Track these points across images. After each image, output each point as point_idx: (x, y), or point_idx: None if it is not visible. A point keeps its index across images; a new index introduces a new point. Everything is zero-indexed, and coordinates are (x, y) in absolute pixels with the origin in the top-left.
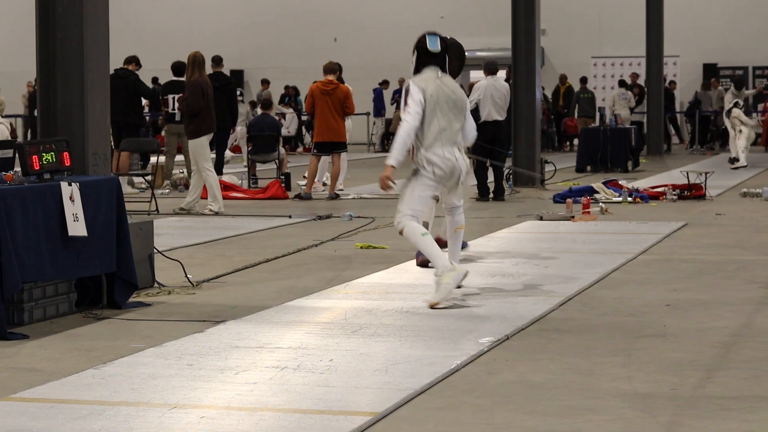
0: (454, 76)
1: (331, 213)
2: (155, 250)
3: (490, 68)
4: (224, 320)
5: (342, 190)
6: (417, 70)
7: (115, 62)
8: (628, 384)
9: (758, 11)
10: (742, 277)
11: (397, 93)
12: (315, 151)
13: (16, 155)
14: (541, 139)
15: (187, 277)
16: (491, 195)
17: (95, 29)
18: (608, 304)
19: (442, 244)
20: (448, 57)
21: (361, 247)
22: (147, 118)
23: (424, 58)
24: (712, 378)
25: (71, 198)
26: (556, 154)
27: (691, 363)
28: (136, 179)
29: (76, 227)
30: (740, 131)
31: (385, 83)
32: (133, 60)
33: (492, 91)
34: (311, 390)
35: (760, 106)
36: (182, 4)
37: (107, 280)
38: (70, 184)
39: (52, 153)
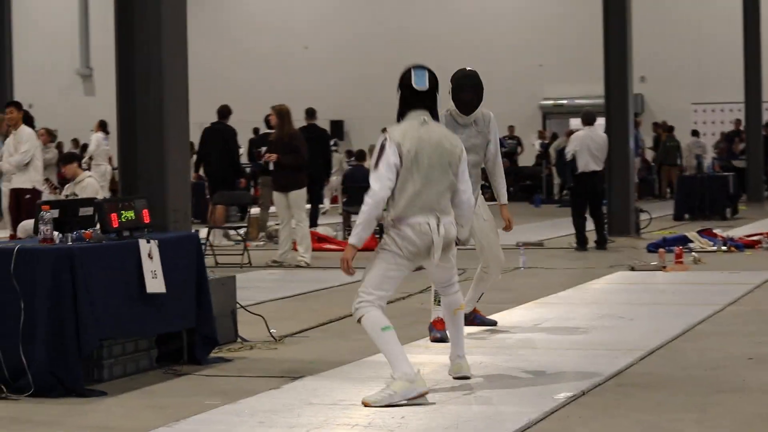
0: (469, 109)
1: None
2: (238, 305)
3: (588, 119)
4: (302, 376)
5: None
6: (401, 113)
7: (207, 111)
8: None
9: None
10: None
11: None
12: None
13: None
14: (642, 187)
15: (270, 332)
16: (591, 244)
17: (175, 87)
18: (689, 357)
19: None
20: (463, 88)
21: None
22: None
23: (409, 99)
24: None
25: (150, 255)
26: (656, 201)
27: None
28: (232, 232)
29: (155, 284)
30: None
31: None
32: (228, 112)
33: (589, 141)
34: None
35: None
36: (283, 55)
37: (188, 336)
38: (148, 242)
39: (132, 210)
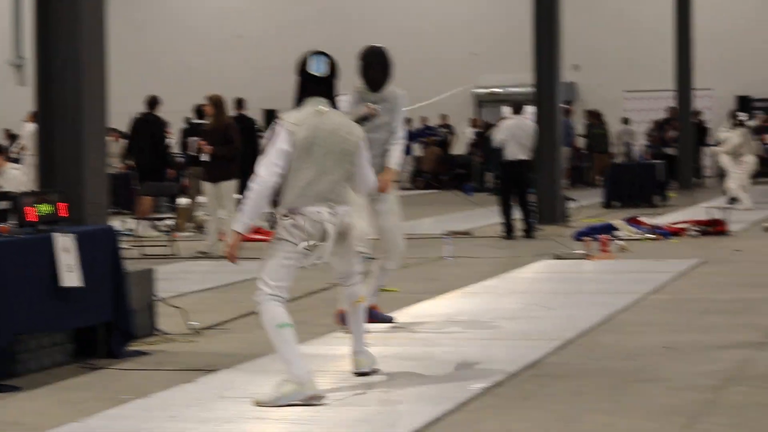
0: (377, 87)
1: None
2: (157, 297)
3: (516, 108)
4: (218, 369)
5: None
6: (298, 100)
7: (137, 100)
8: None
9: None
10: (747, 317)
11: (425, 132)
12: None
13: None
14: (573, 174)
15: (188, 325)
16: (518, 233)
17: (92, 79)
18: (607, 347)
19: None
20: (370, 64)
21: None
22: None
23: (307, 85)
24: (694, 425)
25: (66, 249)
26: (587, 189)
27: (678, 409)
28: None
29: (71, 278)
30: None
31: (407, 121)
32: (156, 103)
33: (516, 130)
34: None
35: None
36: (216, 43)
37: (105, 330)
38: (64, 235)
39: (49, 204)
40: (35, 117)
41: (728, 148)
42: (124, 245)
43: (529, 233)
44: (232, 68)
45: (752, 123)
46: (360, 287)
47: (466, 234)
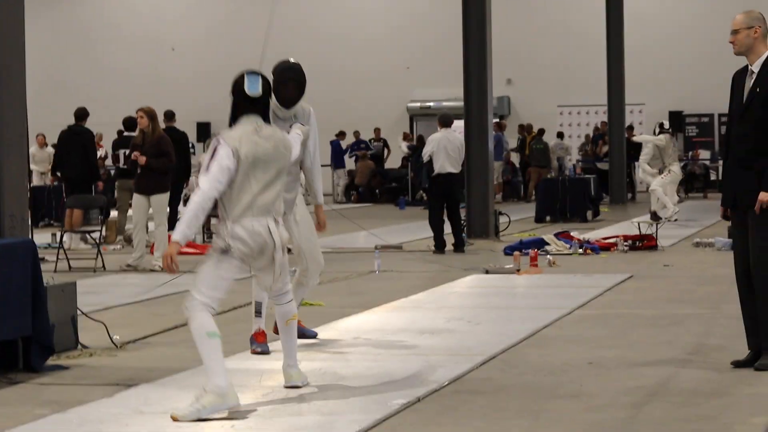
0: (290, 104)
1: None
2: (79, 311)
3: (444, 121)
4: (137, 384)
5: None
6: (234, 118)
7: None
8: None
9: (721, 58)
10: (674, 333)
11: (358, 146)
12: None
13: None
14: (506, 189)
15: (111, 339)
16: (449, 247)
17: (12, 90)
18: (530, 362)
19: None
20: (286, 81)
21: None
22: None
23: (242, 104)
24: None
25: None
26: (520, 204)
27: (597, 425)
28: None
29: None
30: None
31: (341, 134)
32: (85, 115)
33: (445, 143)
34: None
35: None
36: (150, 54)
37: (24, 344)
38: None
39: None
40: (60, 135)
41: (650, 153)
42: (52, 258)
43: (459, 247)
44: (165, 80)
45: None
46: (292, 305)
47: (397, 248)
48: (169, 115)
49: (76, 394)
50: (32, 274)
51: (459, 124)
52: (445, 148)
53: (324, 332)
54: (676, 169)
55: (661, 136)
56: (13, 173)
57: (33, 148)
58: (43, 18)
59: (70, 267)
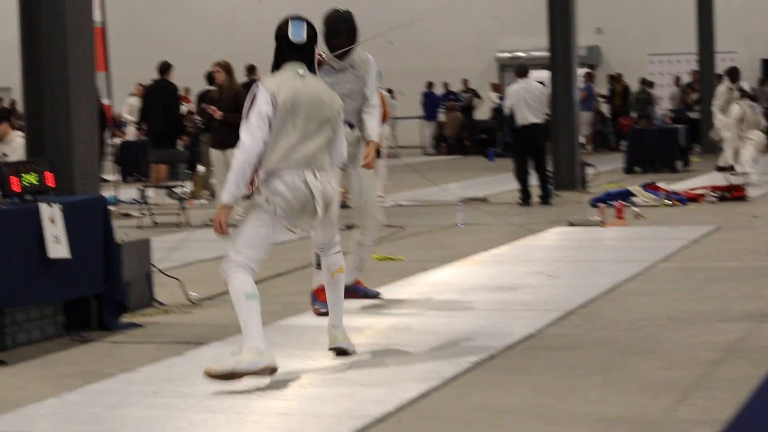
0: (343, 54)
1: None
2: (154, 268)
3: (520, 71)
4: (209, 342)
5: (381, 197)
6: (276, 65)
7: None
8: (598, 407)
9: None
10: (756, 286)
11: (447, 97)
12: None
13: None
14: (597, 139)
15: (186, 296)
16: (535, 199)
17: (80, 44)
18: (608, 317)
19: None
20: (337, 31)
21: (378, 259)
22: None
23: (285, 51)
24: (687, 400)
25: (52, 219)
26: (611, 154)
27: (672, 382)
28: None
29: (58, 249)
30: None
31: (430, 85)
32: (168, 68)
33: (524, 94)
34: (269, 419)
35: None
36: (234, 6)
37: (97, 302)
38: (50, 205)
39: (34, 173)
40: (144, 90)
41: (732, 121)
42: (137, 213)
43: (545, 200)
44: (248, 33)
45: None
46: (339, 257)
47: (482, 200)
48: (251, 69)
49: (147, 352)
50: (104, 231)
51: (541, 74)
52: (525, 99)
53: (401, 287)
54: (756, 135)
55: (735, 107)
56: (84, 130)
57: (133, 99)
58: None
59: (155, 223)
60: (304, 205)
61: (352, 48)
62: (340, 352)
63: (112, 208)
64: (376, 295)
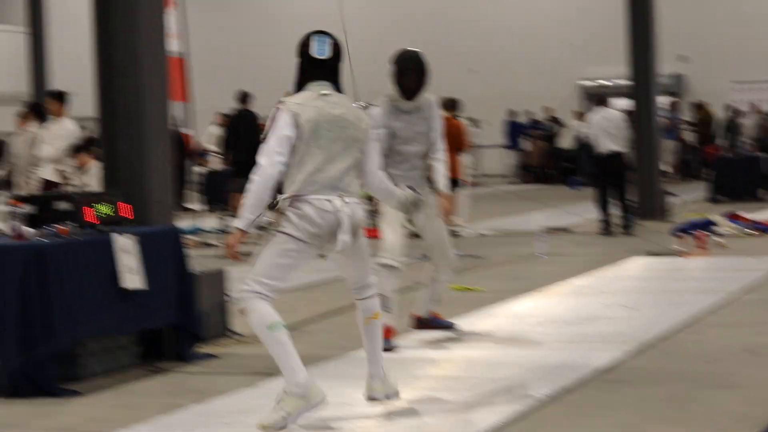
0: (411, 95)
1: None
2: (228, 298)
3: (600, 100)
4: (279, 373)
5: (461, 226)
6: (299, 84)
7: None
8: None
9: None
10: None
11: (533, 125)
12: None
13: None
14: (681, 167)
15: None
16: (616, 229)
17: (154, 75)
18: (685, 350)
19: (420, 322)
20: (406, 71)
21: (457, 289)
22: None
23: (308, 69)
24: None
25: (126, 250)
26: (696, 182)
27: (751, 419)
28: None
29: (132, 279)
30: None
31: (512, 114)
32: (246, 97)
33: (605, 122)
34: None
35: None
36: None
37: (172, 332)
38: (124, 236)
39: (108, 204)
40: (226, 119)
41: None
42: (214, 242)
43: (626, 229)
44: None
45: None
46: (375, 301)
47: (563, 230)
48: (242, 98)
49: (219, 383)
50: (178, 262)
51: (623, 103)
52: (606, 127)
53: (479, 318)
54: None
55: None
56: (158, 160)
57: (214, 128)
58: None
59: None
60: (332, 228)
61: (422, 89)
62: (377, 400)
63: (194, 237)
64: (450, 326)
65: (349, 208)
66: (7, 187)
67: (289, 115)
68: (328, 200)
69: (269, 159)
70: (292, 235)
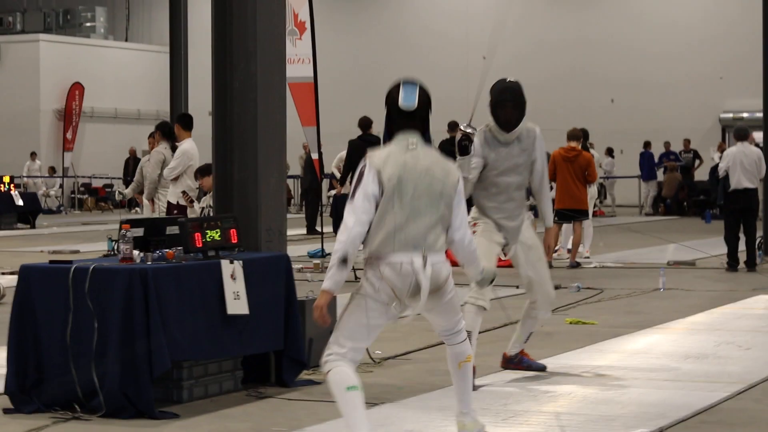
0: (509, 126)
1: (559, 284)
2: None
3: (740, 134)
4: (383, 402)
5: (587, 258)
6: (388, 134)
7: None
8: None
9: None
10: None
11: (665, 157)
12: (556, 218)
13: None
14: None
15: (369, 354)
16: (742, 265)
17: (270, 101)
18: None
19: (510, 362)
20: (503, 103)
21: (570, 323)
22: None
23: (396, 119)
24: None
25: (233, 276)
26: None
27: None
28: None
29: (237, 305)
30: None
31: (647, 145)
32: (369, 123)
33: (741, 157)
34: None
35: None
36: (444, 68)
37: (276, 358)
38: (231, 262)
39: (218, 230)
40: (349, 145)
41: None
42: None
43: (751, 265)
44: (462, 94)
45: None
46: (466, 345)
47: (689, 264)
48: (452, 126)
49: (319, 410)
50: (286, 288)
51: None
52: (742, 163)
53: (588, 353)
54: None
55: None
56: (271, 187)
57: (343, 153)
58: (361, 21)
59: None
60: (414, 291)
61: (519, 121)
62: None
63: (316, 260)
64: (541, 369)
65: (432, 267)
66: (133, 206)
67: (372, 172)
68: (409, 261)
69: (355, 218)
70: (373, 297)
